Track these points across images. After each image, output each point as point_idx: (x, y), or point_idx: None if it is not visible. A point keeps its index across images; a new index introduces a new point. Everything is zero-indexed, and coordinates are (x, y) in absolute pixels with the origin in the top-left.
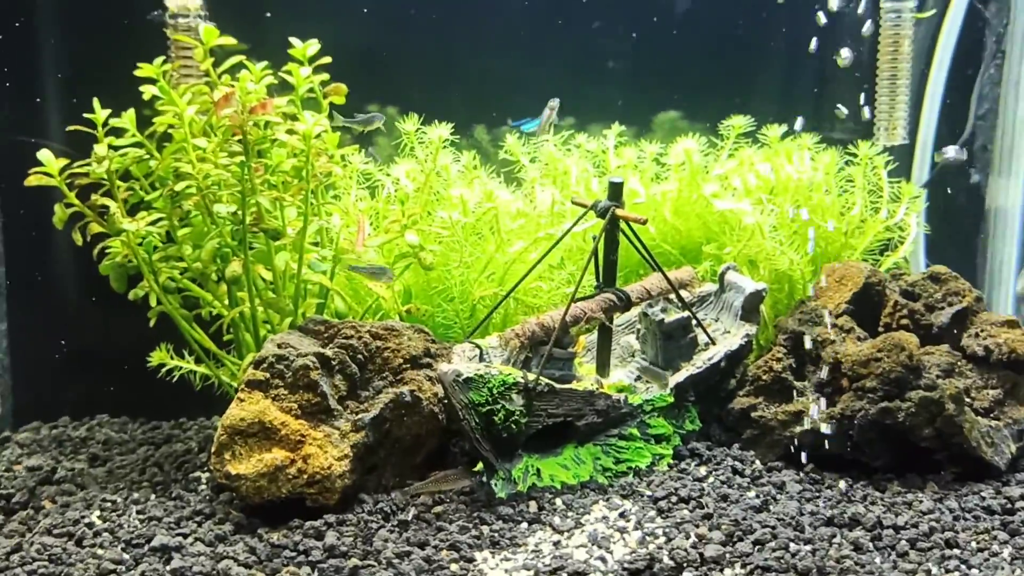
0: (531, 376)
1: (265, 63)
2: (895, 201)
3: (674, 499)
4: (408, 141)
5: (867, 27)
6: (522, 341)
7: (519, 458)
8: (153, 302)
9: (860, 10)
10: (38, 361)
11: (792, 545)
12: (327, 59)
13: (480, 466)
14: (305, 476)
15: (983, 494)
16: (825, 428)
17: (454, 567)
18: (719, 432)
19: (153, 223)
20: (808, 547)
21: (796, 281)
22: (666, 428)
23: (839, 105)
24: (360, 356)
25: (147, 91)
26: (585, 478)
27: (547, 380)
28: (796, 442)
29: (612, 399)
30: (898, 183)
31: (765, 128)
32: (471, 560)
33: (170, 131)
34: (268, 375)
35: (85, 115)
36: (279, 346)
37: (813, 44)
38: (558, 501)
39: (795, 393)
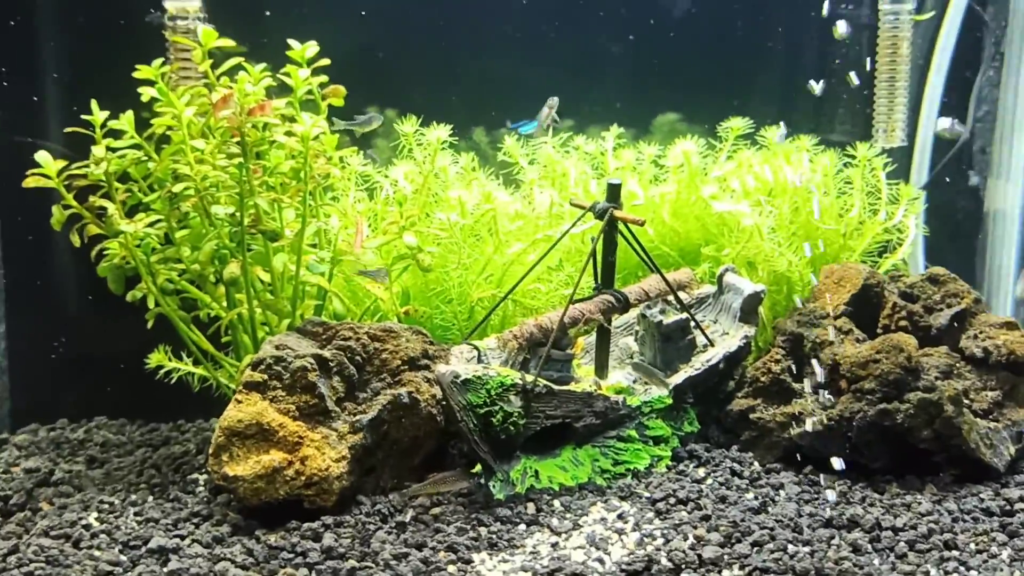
0: (529, 378)
1: (264, 65)
2: (894, 203)
3: (672, 500)
4: (406, 143)
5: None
6: (520, 343)
7: (517, 460)
8: (151, 304)
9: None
10: (36, 363)
11: (790, 546)
12: (326, 61)
13: (478, 468)
14: (303, 478)
15: (982, 496)
16: (816, 428)
17: (451, 568)
18: (718, 434)
19: (151, 225)
20: (806, 548)
21: (795, 283)
22: (664, 430)
23: (851, 73)
24: (358, 358)
25: (146, 93)
26: (583, 480)
27: (545, 382)
28: (795, 444)
29: (610, 401)
30: (897, 185)
31: (764, 130)
32: (469, 561)
33: (169, 133)
34: (266, 376)
35: (83, 117)
36: (277, 348)
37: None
38: (556, 503)
39: (794, 395)
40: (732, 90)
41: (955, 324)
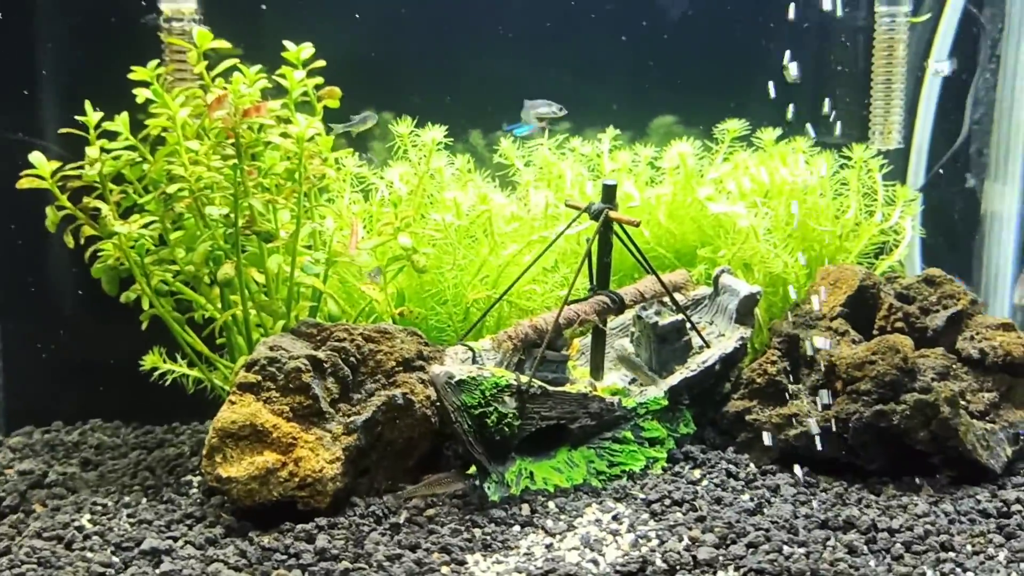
0: (524, 378)
1: (259, 67)
2: (890, 204)
3: (667, 502)
4: (402, 144)
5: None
6: (515, 343)
7: (512, 461)
8: (145, 305)
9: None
10: (31, 365)
11: (786, 548)
12: (321, 63)
13: (473, 469)
14: (296, 479)
15: (978, 497)
16: (816, 430)
17: (445, 570)
18: (713, 435)
19: (146, 226)
20: (802, 550)
21: (791, 284)
22: (660, 431)
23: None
24: (352, 359)
25: (140, 94)
26: (578, 481)
27: (540, 382)
28: (790, 445)
29: (606, 402)
30: (893, 186)
31: (760, 131)
32: (462, 563)
33: (163, 134)
34: (260, 378)
35: (78, 118)
36: (271, 349)
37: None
38: (551, 504)
39: (789, 396)
40: (729, 92)
41: (951, 325)
